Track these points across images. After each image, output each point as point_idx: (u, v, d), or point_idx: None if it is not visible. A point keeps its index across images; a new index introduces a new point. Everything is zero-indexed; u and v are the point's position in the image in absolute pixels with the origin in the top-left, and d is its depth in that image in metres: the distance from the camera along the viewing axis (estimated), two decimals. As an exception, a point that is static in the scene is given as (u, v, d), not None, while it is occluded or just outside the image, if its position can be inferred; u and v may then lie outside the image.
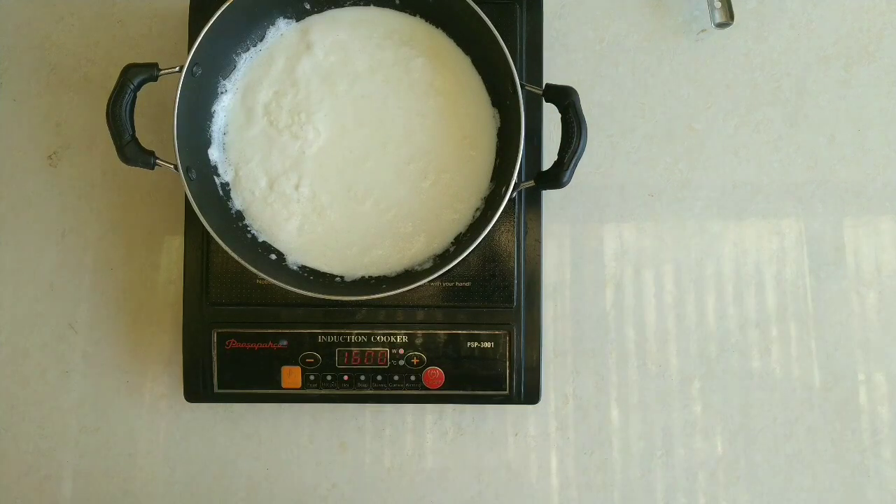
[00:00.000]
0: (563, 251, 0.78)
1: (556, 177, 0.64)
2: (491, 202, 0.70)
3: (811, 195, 0.79)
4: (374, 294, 0.65)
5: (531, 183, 0.66)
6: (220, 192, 0.71)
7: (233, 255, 0.63)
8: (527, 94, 0.66)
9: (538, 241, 0.73)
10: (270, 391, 0.71)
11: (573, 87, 0.65)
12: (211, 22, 0.65)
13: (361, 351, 0.71)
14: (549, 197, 0.75)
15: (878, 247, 0.78)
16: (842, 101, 0.79)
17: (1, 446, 0.75)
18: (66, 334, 0.76)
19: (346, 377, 0.71)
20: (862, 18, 0.80)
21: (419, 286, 0.65)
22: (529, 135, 0.69)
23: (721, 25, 0.78)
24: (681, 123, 0.79)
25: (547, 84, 0.66)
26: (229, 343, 0.71)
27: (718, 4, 0.78)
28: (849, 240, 0.78)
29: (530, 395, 0.72)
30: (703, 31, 0.80)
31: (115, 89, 0.64)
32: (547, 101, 0.66)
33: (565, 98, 0.64)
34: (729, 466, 0.76)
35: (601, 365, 0.77)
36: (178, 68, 0.65)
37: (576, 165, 0.64)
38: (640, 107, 0.79)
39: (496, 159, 0.72)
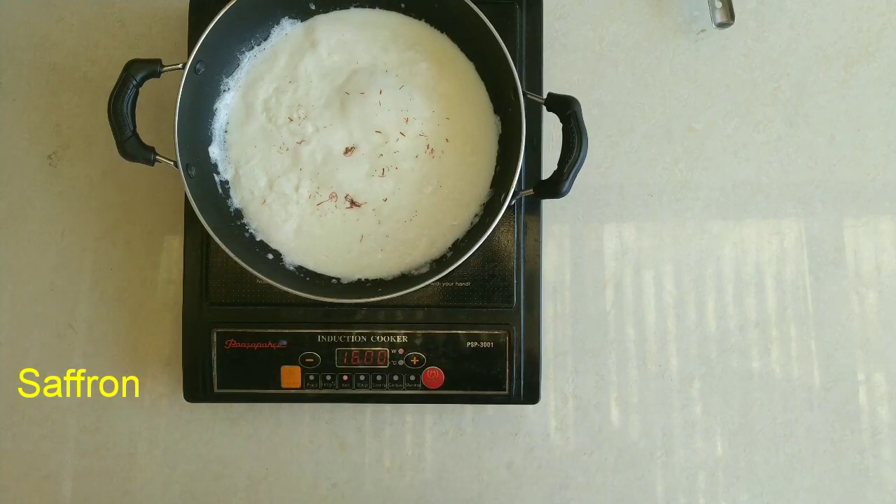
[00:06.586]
0: (563, 251, 0.78)
1: (556, 186, 0.64)
2: (490, 209, 0.70)
3: (811, 195, 0.79)
4: (369, 297, 0.65)
5: (530, 191, 0.66)
6: (220, 190, 0.71)
7: (228, 252, 0.63)
8: (528, 102, 0.65)
9: (538, 240, 0.73)
10: (270, 391, 0.71)
11: (574, 94, 0.65)
12: (214, 21, 0.65)
13: (361, 351, 0.71)
14: (548, 197, 0.75)
15: (878, 247, 0.78)
16: (842, 101, 0.79)
17: (1, 446, 0.75)
18: (66, 334, 0.76)
19: (345, 377, 0.71)
20: (862, 18, 0.80)
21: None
22: (530, 142, 0.69)
23: (721, 25, 0.78)
24: (681, 123, 0.79)
25: (549, 93, 0.66)
26: (229, 343, 0.71)
27: (719, 4, 0.78)
28: (849, 240, 0.78)
29: (530, 395, 0.72)
30: (702, 31, 0.80)
31: (117, 84, 0.63)
32: (548, 111, 0.66)
33: (567, 108, 0.64)
34: (729, 466, 0.76)
35: (601, 365, 0.77)
36: (181, 65, 0.65)
37: (575, 176, 0.64)
38: (640, 107, 0.79)
39: (497, 166, 0.72)
